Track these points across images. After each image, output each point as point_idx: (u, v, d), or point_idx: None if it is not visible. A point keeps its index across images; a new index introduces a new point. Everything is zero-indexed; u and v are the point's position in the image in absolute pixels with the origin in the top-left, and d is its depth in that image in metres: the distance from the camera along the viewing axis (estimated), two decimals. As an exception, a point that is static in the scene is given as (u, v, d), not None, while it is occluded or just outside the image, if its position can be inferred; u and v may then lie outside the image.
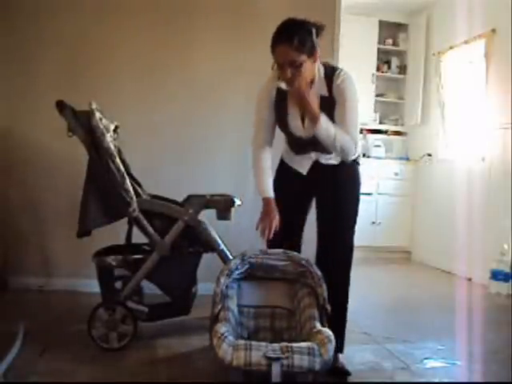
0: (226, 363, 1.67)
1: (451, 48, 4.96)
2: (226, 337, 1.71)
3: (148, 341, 2.48)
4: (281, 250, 2.11)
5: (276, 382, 1.64)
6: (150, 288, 2.52)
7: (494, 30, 4.35)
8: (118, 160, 2.35)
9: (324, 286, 2.01)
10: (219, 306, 1.92)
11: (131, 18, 3.37)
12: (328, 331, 1.81)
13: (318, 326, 1.89)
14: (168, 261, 2.44)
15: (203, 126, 3.45)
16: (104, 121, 2.37)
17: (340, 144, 2.06)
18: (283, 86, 2.14)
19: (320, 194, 2.29)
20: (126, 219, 2.49)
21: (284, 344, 1.73)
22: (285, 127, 2.23)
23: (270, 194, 2.21)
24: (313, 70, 2.09)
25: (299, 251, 2.27)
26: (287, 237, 2.28)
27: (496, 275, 3.94)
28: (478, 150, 4.52)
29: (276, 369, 1.64)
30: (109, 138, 2.35)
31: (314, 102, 2.04)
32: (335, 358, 2.21)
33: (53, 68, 3.32)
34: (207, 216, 2.57)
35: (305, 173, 2.28)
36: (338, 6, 3.45)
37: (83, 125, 2.31)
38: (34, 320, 2.63)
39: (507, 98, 4.09)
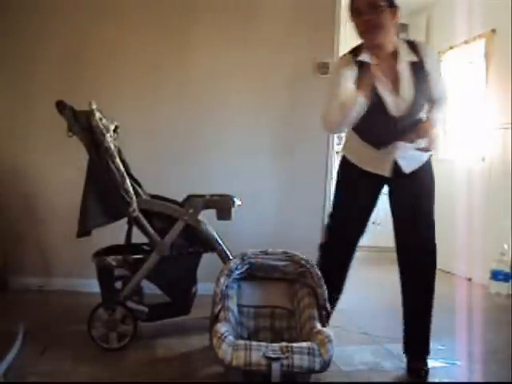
0: (226, 363, 1.67)
1: (451, 48, 4.95)
2: (225, 337, 1.71)
3: (148, 341, 2.48)
4: (281, 250, 2.11)
5: (276, 382, 1.65)
6: (150, 288, 2.52)
7: (493, 30, 4.35)
8: (117, 160, 2.35)
9: (324, 287, 2.01)
10: (219, 306, 1.93)
11: (130, 19, 3.36)
12: (328, 331, 1.81)
13: (318, 326, 1.90)
14: (168, 261, 2.44)
15: (203, 126, 3.44)
16: (104, 121, 2.37)
17: (443, 113, 2.16)
18: (363, 57, 2.03)
19: (399, 201, 2.29)
20: (125, 219, 2.49)
21: (284, 344, 1.74)
22: (378, 106, 2.00)
23: None
24: (393, 31, 2.00)
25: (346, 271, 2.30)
26: (341, 251, 2.29)
27: (496, 275, 3.93)
28: (478, 150, 4.51)
29: (276, 369, 1.64)
30: (109, 138, 2.34)
31: (430, 130, 2.05)
32: (423, 361, 2.23)
33: (52, 68, 3.31)
34: (207, 216, 2.57)
35: (387, 174, 2.17)
36: (338, 6, 3.45)
37: (83, 125, 2.31)
38: (34, 320, 2.63)
39: (507, 97, 4.09)
